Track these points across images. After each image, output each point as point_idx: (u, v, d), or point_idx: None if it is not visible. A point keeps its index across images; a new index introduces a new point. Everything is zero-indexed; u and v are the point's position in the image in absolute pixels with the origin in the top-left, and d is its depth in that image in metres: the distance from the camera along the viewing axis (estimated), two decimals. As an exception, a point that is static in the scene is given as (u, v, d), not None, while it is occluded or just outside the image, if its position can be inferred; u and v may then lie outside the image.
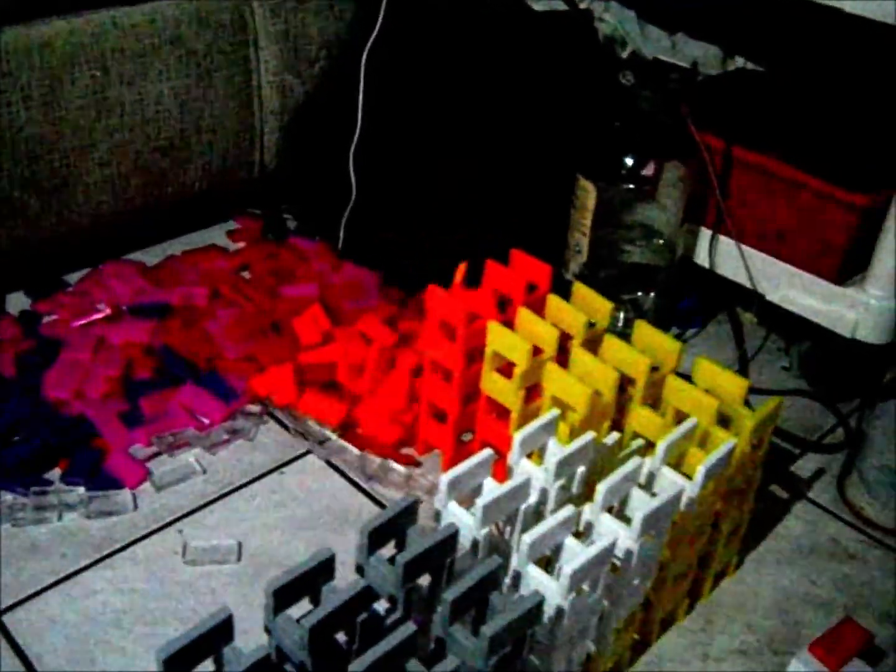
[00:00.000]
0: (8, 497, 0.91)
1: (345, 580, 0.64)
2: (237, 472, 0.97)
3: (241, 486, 0.96)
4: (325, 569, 0.63)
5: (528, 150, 1.16)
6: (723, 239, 1.17)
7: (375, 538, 0.66)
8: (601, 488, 0.70)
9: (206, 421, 1.01)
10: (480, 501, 0.68)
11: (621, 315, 1.19)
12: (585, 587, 0.68)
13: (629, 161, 1.10)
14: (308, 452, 1.00)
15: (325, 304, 1.15)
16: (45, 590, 0.84)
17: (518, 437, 0.75)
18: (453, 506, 0.70)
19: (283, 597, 0.61)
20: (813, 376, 1.16)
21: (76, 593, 0.83)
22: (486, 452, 0.72)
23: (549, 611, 0.66)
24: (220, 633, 0.59)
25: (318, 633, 0.59)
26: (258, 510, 0.93)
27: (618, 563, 0.71)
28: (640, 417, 0.84)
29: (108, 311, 1.13)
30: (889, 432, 1.01)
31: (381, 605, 0.66)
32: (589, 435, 0.76)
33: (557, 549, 0.69)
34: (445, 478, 0.70)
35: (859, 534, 0.97)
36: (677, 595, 0.84)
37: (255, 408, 1.03)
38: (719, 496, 0.80)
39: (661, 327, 1.20)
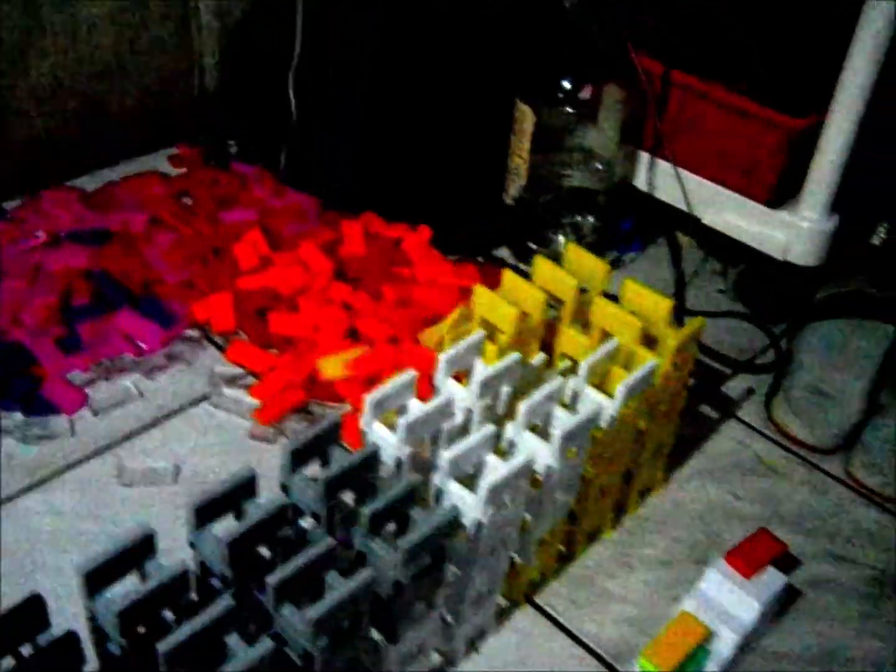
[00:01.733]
0: (-58, 426, 0.92)
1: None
2: (175, 397, 0.98)
3: (178, 411, 0.97)
4: (246, 487, 0.65)
5: (468, 72, 1.16)
6: (660, 162, 1.17)
7: (299, 457, 0.67)
8: (522, 407, 0.72)
9: (144, 346, 1.01)
10: (403, 420, 0.69)
11: (561, 238, 1.20)
12: (508, 501, 0.70)
13: (567, 84, 1.10)
14: (247, 375, 1.01)
15: (265, 229, 1.15)
16: (-17, 513, 0.85)
17: (443, 357, 0.76)
18: (377, 426, 0.72)
19: (205, 513, 0.63)
20: (747, 298, 1.18)
21: (13, 516, 0.85)
22: (410, 373, 0.73)
23: (468, 524, 0.68)
24: (142, 549, 0.60)
25: (237, 547, 0.60)
26: (195, 434, 0.94)
27: (541, 478, 0.73)
28: (567, 338, 0.86)
29: (45, 237, 1.12)
30: (816, 353, 1.03)
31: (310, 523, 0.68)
32: (514, 355, 0.77)
33: (480, 467, 0.71)
34: (369, 398, 0.71)
35: (783, 451, 1.00)
36: (603, 509, 0.87)
37: (193, 333, 1.04)
38: (643, 415, 0.83)
39: (600, 250, 1.22)
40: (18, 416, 0.93)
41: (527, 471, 0.69)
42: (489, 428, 0.70)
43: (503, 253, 1.23)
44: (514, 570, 0.80)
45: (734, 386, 1.08)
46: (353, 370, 0.98)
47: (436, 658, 0.76)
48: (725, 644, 0.77)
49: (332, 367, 0.98)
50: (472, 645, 0.78)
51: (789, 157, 1.08)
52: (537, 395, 0.73)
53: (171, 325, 1.03)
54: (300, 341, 1.02)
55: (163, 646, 0.55)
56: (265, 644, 0.56)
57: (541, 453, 0.72)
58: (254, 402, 0.97)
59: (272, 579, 0.58)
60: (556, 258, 1.18)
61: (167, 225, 1.17)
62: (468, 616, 0.74)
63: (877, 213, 1.16)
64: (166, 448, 0.92)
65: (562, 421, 0.73)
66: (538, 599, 0.83)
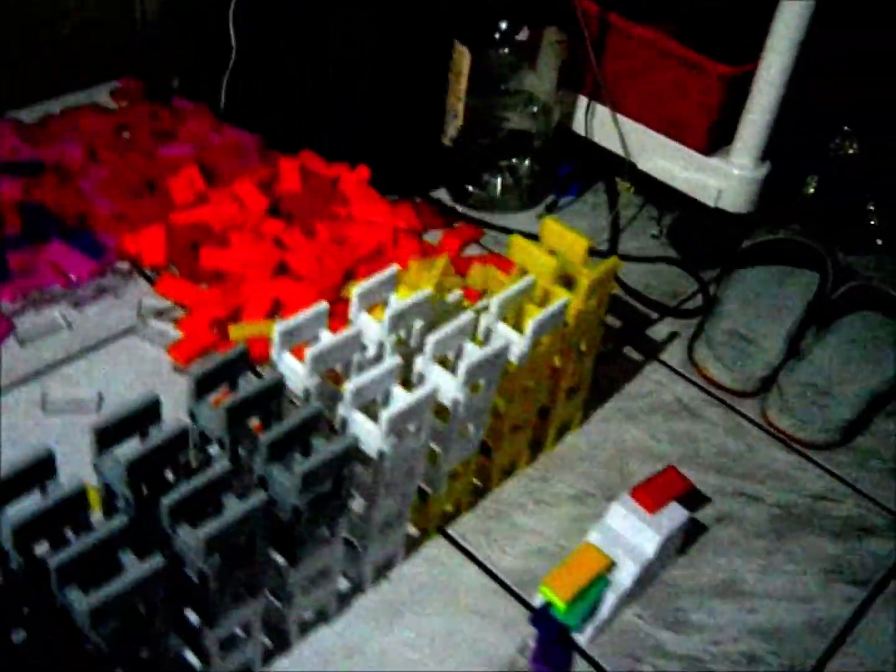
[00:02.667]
0: None
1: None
2: (102, 328, 0.99)
3: (105, 342, 0.97)
4: (150, 412, 0.66)
5: (407, 13, 1.15)
6: (598, 107, 1.18)
7: (204, 384, 0.68)
8: (430, 339, 0.73)
9: (74, 277, 1.01)
10: (310, 350, 0.71)
11: (498, 181, 1.21)
12: (412, 431, 0.72)
13: (504, 25, 1.10)
14: (176, 307, 1.01)
15: (202, 165, 1.15)
16: None
17: (357, 290, 0.77)
18: (286, 356, 0.73)
19: (107, 437, 0.64)
20: (679, 245, 1.20)
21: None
22: (322, 305, 0.74)
23: (372, 454, 0.69)
24: (41, 471, 0.61)
25: (136, 468, 0.61)
26: (121, 365, 0.95)
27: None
28: (486, 275, 0.87)
29: (-22, 168, 1.11)
30: (739, 298, 1.05)
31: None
32: (426, 291, 0.78)
33: (388, 399, 0.73)
34: (278, 327, 0.72)
35: (702, 392, 1.02)
36: (518, 445, 0.88)
37: (124, 265, 1.04)
38: (555, 352, 0.84)
39: (537, 194, 1.23)
40: (-57, 343, 0.93)
41: (429, 402, 0.71)
42: (394, 360, 0.71)
43: (441, 195, 1.23)
44: (424, 501, 0.82)
45: (660, 330, 1.09)
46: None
47: (344, 583, 0.79)
48: (626, 574, 0.79)
49: (238, 332, 0.98)
50: (381, 572, 0.80)
51: (723, 104, 1.09)
52: (446, 328, 0.74)
53: (102, 257, 1.03)
54: (230, 276, 1.03)
55: (54, 561, 0.56)
56: (157, 559, 0.58)
57: (446, 386, 0.73)
58: (180, 334, 0.98)
59: (167, 499, 0.60)
60: (493, 201, 1.19)
61: (103, 158, 1.16)
62: (375, 544, 0.76)
63: (808, 165, 1.18)
64: (91, 379, 0.93)
65: (468, 354, 0.75)
66: (450, 531, 0.85)
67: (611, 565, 0.79)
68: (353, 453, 0.66)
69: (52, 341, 0.96)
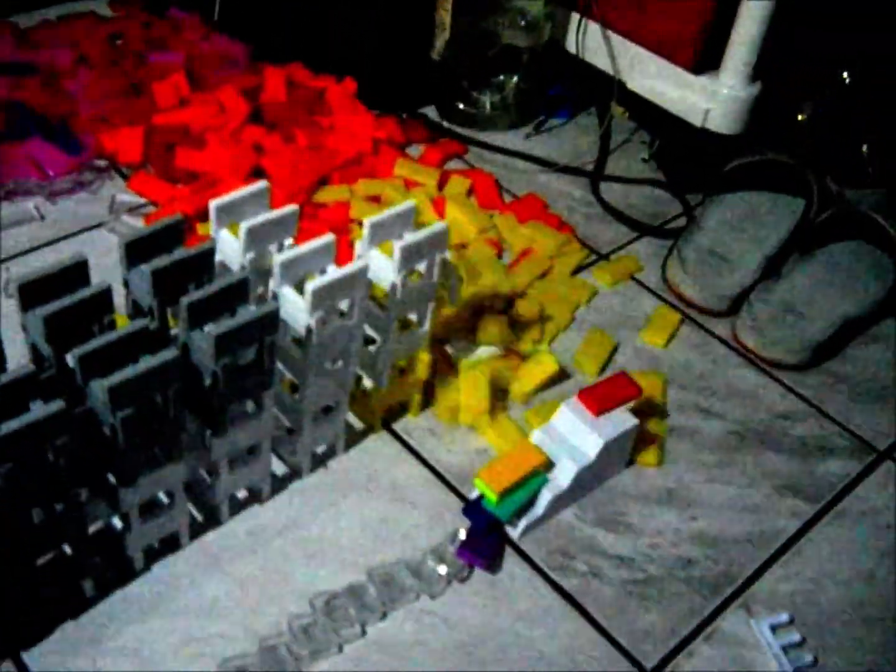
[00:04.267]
0: None
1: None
2: (75, 222, 1.00)
3: (75, 234, 0.98)
4: (77, 272, 0.66)
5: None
6: (591, 24, 1.16)
7: (135, 251, 0.68)
8: (367, 222, 0.73)
9: (51, 172, 1.02)
10: (243, 225, 0.70)
11: (487, 99, 1.19)
12: (342, 309, 0.71)
13: (492, -66, 1.08)
14: (148, 204, 1.02)
15: (190, 73, 1.15)
16: None
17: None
18: (223, 232, 0.73)
19: (32, 294, 0.64)
20: (666, 167, 1.17)
21: None
22: (262, 183, 0.74)
23: (301, 330, 0.69)
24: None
25: (53, 322, 0.62)
26: (90, 256, 0.95)
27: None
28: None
29: (-33, 67, 1.12)
30: (719, 219, 1.03)
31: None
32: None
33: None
34: (214, 203, 0.72)
35: (674, 310, 1.00)
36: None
37: (101, 163, 1.05)
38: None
39: (527, 113, 1.21)
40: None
41: (362, 280, 0.70)
42: (329, 236, 0.71)
43: (430, 112, 1.22)
44: (367, 393, 0.82)
45: (639, 250, 1.08)
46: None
47: (282, 468, 0.79)
48: (565, 475, 0.78)
49: (206, 230, 0.97)
50: (321, 460, 0.81)
51: (713, 21, 1.06)
52: (385, 213, 0.74)
53: (80, 154, 1.04)
54: (204, 177, 1.03)
55: (77, 352, 0.59)
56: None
57: (384, 270, 0.73)
58: (149, 230, 0.98)
59: (77, 351, 0.60)
60: (481, 118, 1.18)
61: (93, 63, 1.17)
62: (312, 428, 0.76)
63: (805, 92, 1.15)
64: (57, 267, 0.94)
65: (405, 238, 0.74)
66: (396, 427, 0.85)
67: (548, 463, 0.78)
68: (272, 321, 0.66)
69: (24, 230, 0.98)
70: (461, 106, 1.19)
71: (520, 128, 1.21)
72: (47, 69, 1.15)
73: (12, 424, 0.56)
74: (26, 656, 0.65)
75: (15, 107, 1.08)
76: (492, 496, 0.75)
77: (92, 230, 0.99)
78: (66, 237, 0.98)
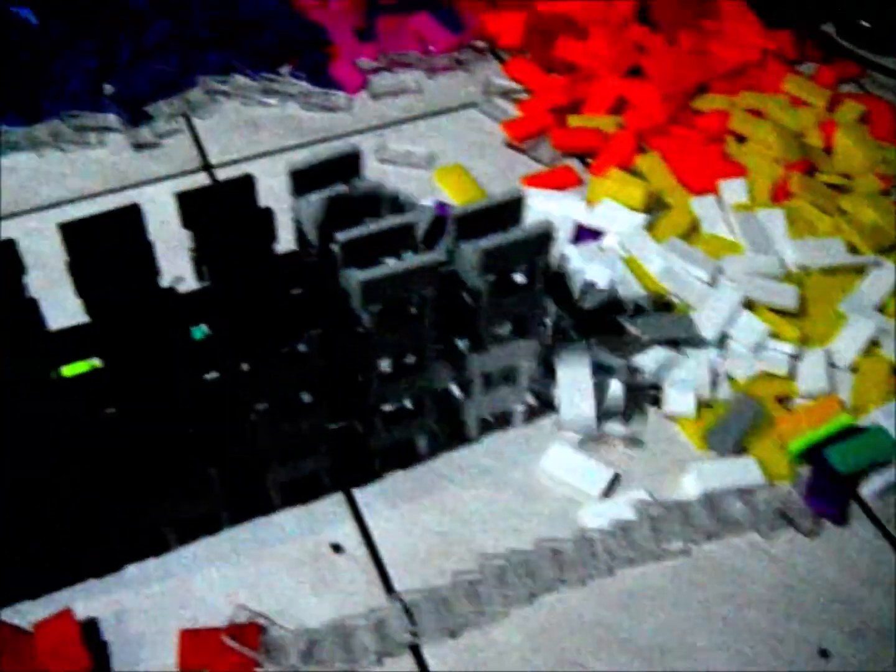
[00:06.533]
0: (240, 79, 1.00)
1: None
2: (448, 97, 1.01)
3: (447, 111, 0.99)
4: (350, 162, 0.62)
5: None
6: None
7: (303, 180, 0.62)
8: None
9: (432, 48, 1.04)
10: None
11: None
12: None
13: None
14: (521, 90, 1.01)
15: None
16: (251, 158, 0.93)
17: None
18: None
19: (303, 181, 0.62)
20: None
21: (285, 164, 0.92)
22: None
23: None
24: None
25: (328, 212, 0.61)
26: (457, 133, 0.96)
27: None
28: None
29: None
30: None
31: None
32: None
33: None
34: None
35: None
36: None
37: (480, 44, 1.05)
38: None
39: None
40: (305, 84, 0.99)
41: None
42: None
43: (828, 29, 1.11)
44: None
45: None
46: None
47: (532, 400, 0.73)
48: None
49: (576, 122, 0.95)
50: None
51: None
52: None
53: (461, 33, 1.05)
54: (580, 69, 1.00)
55: (341, 237, 0.58)
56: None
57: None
58: (518, 114, 0.97)
59: (341, 236, 0.58)
60: (887, 41, 1.05)
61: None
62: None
63: None
64: (427, 139, 0.95)
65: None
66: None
67: None
68: (544, 243, 0.61)
69: (400, 100, 1.00)
70: (864, 23, 1.08)
71: (928, 55, 1.08)
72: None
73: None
74: (357, 492, 0.68)
75: (406, -21, 1.10)
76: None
77: (464, 109, 0.99)
78: (438, 112, 0.99)
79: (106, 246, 0.54)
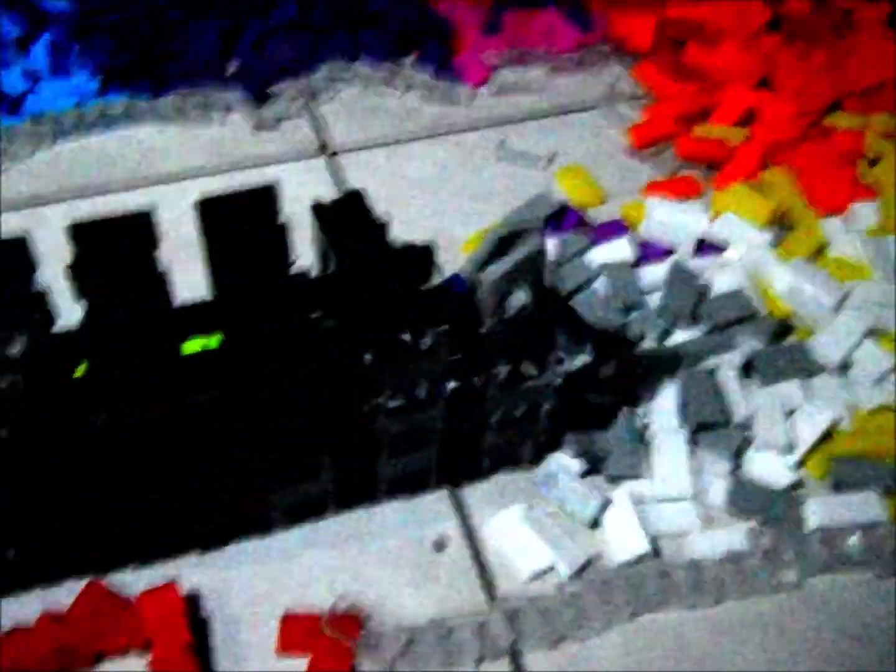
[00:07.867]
0: (363, 67, 0.99)
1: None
2: (571, 98, 0.99)
3: (570, 111, 0.98)
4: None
5: None
6: None
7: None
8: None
9: (558, 46, 1.02)
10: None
11: None
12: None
13: None
14: (646, 96, 0.99)
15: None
16: (370, 147, 0.93)
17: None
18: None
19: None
20: None
21: (402, 154, 0.92)
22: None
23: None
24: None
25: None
26: (579, 135, 0.95)
27: None
28: None
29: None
30: None
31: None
32: None
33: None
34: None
35: None
36: None
37: (607, 46, 1.03)
38: None
39: None
40: (428, 76, 0.99)
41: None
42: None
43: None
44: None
45: None
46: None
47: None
48: None
49: (703, 131, 0.93)
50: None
51: None
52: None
53: (588, 33, 1.03)
54: (709, 77, 0.98)
55: None
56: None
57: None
58: (642, 120, 0.95)
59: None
60: None
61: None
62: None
63: None
64: (547, 140, 0.94)
65: None
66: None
67: None
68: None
69: (522, 99, 0.99)
70: None
71: None
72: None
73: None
74: (463, 491, 0.68)
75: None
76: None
77: (586, 110, 0.98)
78: (560, 113, 0.97)
79: (240, 225, 0.55)
